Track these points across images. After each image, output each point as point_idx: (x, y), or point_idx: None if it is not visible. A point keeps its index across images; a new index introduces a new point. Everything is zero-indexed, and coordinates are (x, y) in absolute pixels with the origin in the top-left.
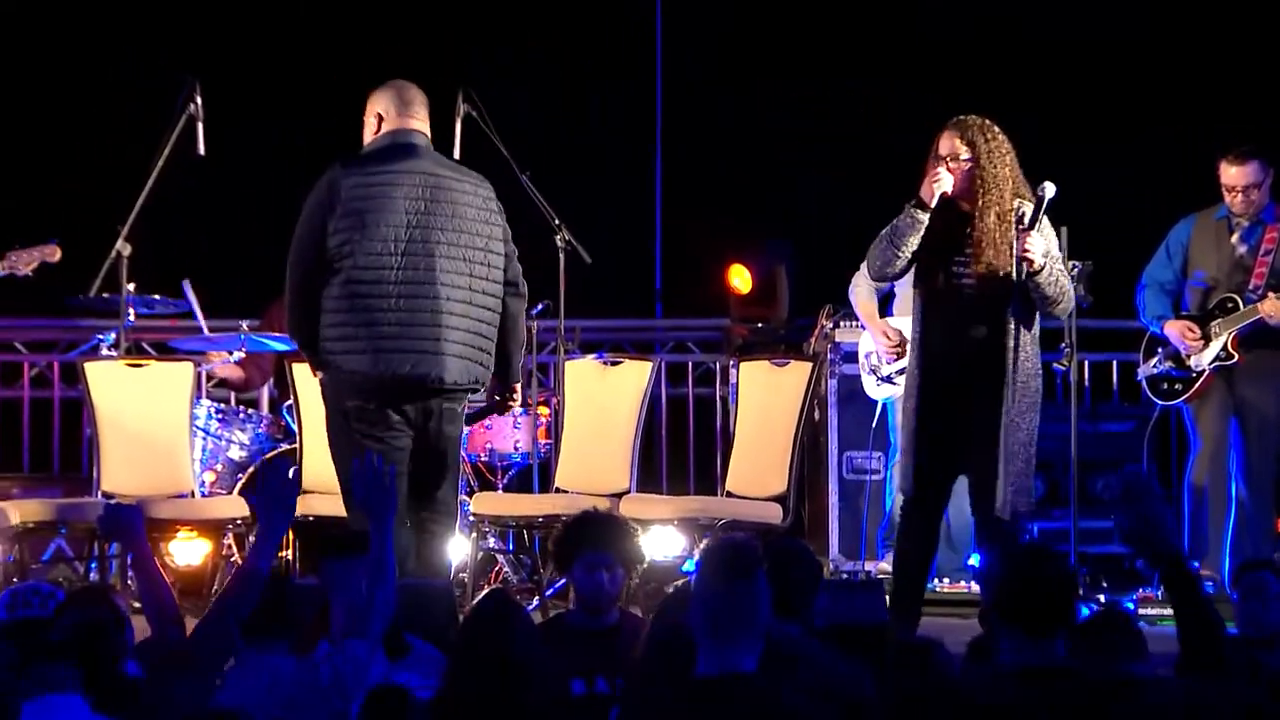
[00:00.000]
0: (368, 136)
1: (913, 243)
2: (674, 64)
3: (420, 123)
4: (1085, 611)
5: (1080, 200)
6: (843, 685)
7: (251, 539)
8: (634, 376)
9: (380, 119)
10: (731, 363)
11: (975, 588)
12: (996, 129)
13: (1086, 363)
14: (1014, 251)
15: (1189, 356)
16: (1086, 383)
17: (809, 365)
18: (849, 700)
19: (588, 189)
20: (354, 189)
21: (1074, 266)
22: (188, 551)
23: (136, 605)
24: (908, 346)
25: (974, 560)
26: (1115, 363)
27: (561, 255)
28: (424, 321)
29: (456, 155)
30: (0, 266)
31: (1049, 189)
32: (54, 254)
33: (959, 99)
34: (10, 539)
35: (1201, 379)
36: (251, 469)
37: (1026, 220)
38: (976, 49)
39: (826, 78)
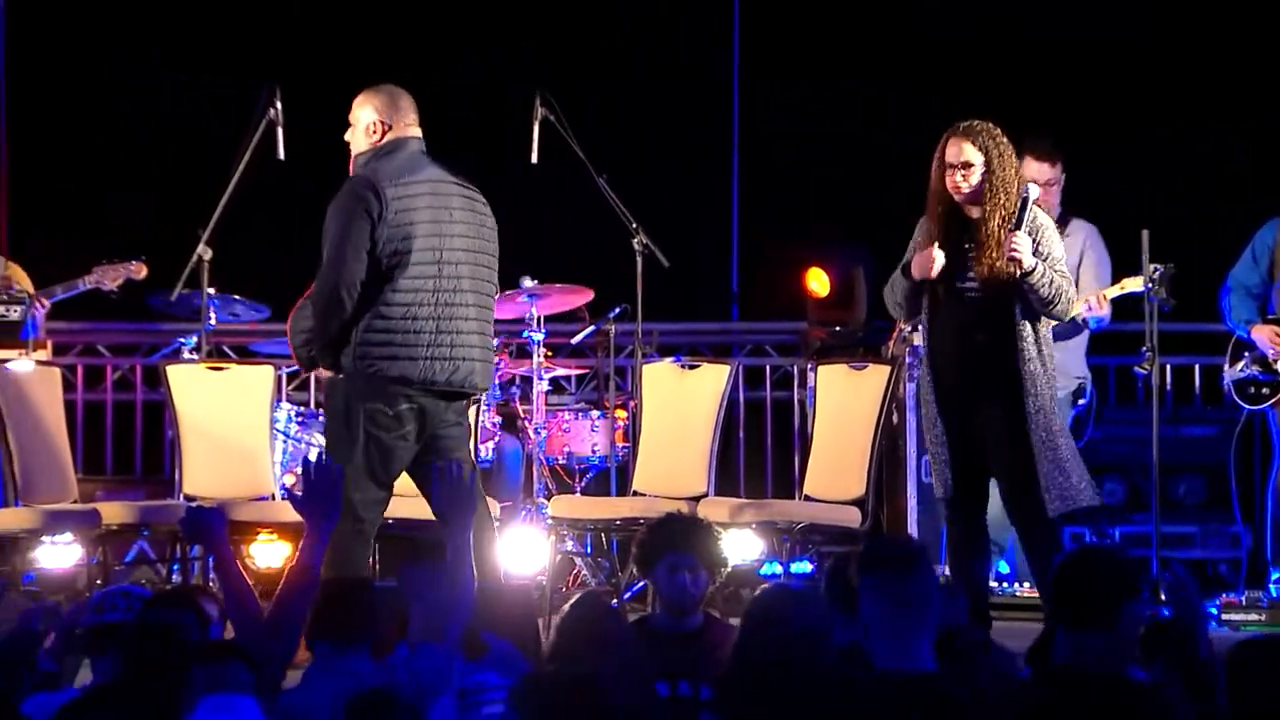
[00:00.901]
0: (365, 142)
1: (907, 299)
2: (752, 65)
3: (418, 129)
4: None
5: (1159, 201)
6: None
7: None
8: (712, 380)
9: (383, 125)
10: (809, 366)
11: None
12: (1000, 133)
13: (1168, 366)
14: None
15: (1276, 361)
16: (1168, 386)
17: (887, 368)
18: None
19: (665, 192)
20: (397, 199)
21: (1155, 270)
22: (268, 554)
23: None
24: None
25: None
26: (1198, 366)
27: (639, 258)
28: (459, 329)
29: (535, 159)
30: (87, 280)
31: (1033, 189)
32: (140, 271)
33: (1017, 105)
34: (94, 541)
35: None
36: None
37: (1014, 220)
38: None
39: (901, 78)
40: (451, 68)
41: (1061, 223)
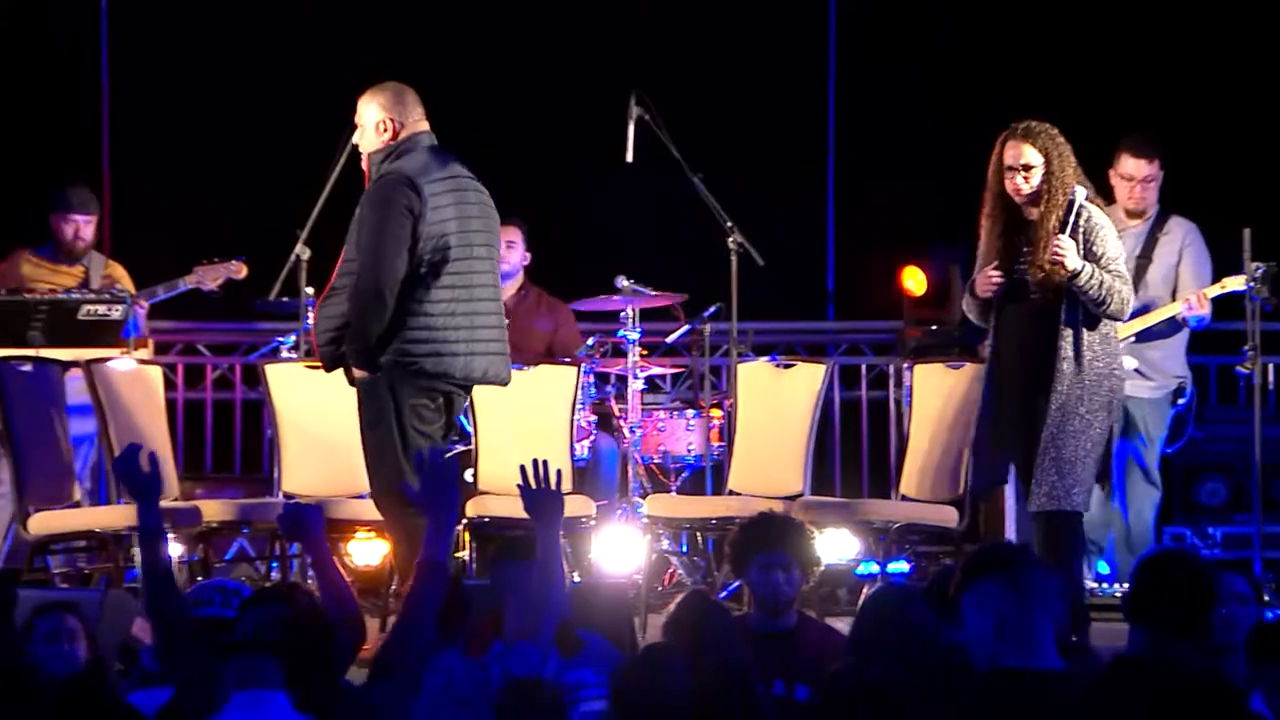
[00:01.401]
0: (377, 141)
1: (979, 312)
2: (847, 64)
3: (426, 123)
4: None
5: (1261, 199)
6: None
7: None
8: (807, 379)
9: (393, 123)
10: (905, 365)
11: None
12: (1058, 132)
13: (1270, 365)
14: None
15: None
16: (1270, 385)
17: (983, 367)
18: None
19: (760, 190)
20: (433, 195)
21: (1257, 268)
22: (366, 552)
23: None
24: None
25: None
26: None
27: (734, 257)
28: (486, 323)
29: (630, 158)
30: (188, 280)
31: (1079, 193)
32: (240, 271)
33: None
34: (194, 539)
35: None
36: None
37: (1060, 223)
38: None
39: (999, 74)
40: (546, 66)
41: (1160, 221)
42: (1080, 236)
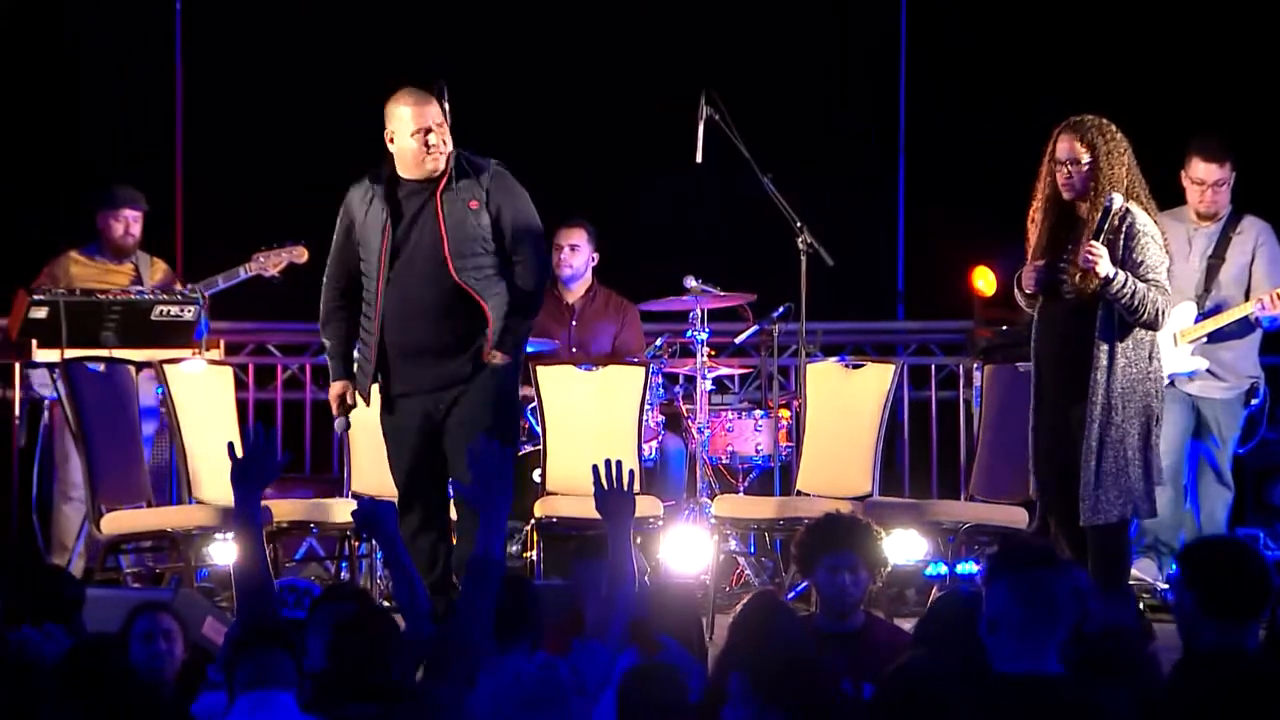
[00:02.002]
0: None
1: (1027, 303)
2: (918, 63)
3: None
4: None
5: None
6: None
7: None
8: (876, 379)
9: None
10: (975, 365)
11: None
12: (1114, 128)
13: None
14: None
15: None
16: None
17: None
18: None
19: (830, 190)
20: None
21: None
22: None
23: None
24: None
25: None
26: None
27: (803, 258)
28: None
29: (699, 158)
30: (248, 268)
31: (1116, 200)
32: (302, 255)
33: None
34: (265, 538)
35: None
36: None
37: (1094, 229)
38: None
39: (1071, 74)
40: (617, 67)
41: (1233, 220)
42: (1121, 241)
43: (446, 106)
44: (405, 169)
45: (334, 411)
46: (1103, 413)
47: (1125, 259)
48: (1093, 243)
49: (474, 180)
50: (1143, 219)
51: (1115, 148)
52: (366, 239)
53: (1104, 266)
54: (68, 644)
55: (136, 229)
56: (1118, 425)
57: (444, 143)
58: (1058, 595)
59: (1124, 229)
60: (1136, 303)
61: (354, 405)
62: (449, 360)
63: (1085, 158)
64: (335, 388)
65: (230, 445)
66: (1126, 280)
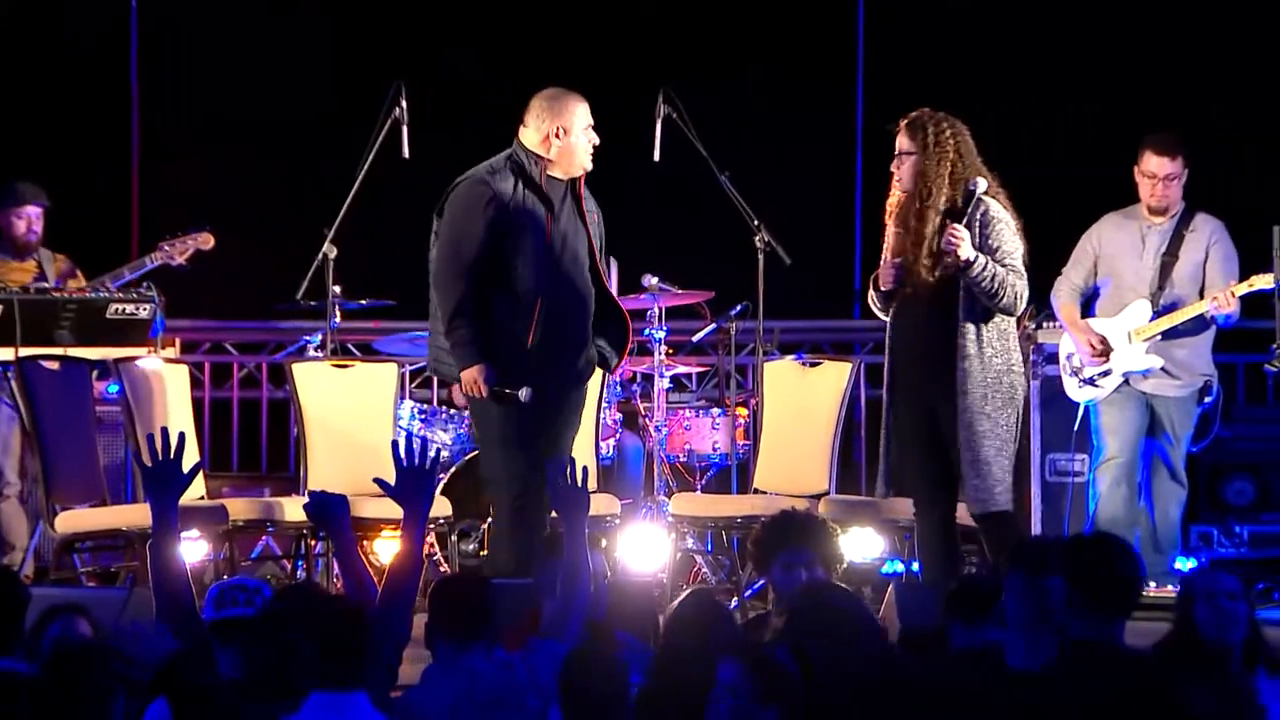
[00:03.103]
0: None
1: (883, 303)
2: (875, 62)
3: None
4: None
5: None
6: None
7: (453, 538)
8: (833, 377)
9: None
10: None
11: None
12: (948, 123)
13: None
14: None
15: None
16: None
17: None
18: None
19: (787, 189)
20: None
21: None
22: (392, 550)
23: None
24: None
25: (1180, 564)
26: None
27: (761, 256)
28: None
29: (657, 156)
30: (154, 257)
31: (980, 184)
32: (208, 241)
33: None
34: (220, 537)
35: None
36: (454, 468)
37: (955, 212)
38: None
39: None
40: (572, 64)
41: (1185, 218)
42: (976, 229)
43: (404, 105)
44: (563, 166)
45: (479, 392)
46: (976, 403)
47: (982, 245)
48: (955, 225)
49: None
50: (997, 207)
51: (941, 141)
52: (519, 232)
53: (965, 250)
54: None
55: (39, 226)
56: (989, 415)
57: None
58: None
59: (978, 216)
60: (996, 286)
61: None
62: (581, 360)
63: (908, 150)
64: (475, 371)
65: (136, 454)
66: (986, 264)
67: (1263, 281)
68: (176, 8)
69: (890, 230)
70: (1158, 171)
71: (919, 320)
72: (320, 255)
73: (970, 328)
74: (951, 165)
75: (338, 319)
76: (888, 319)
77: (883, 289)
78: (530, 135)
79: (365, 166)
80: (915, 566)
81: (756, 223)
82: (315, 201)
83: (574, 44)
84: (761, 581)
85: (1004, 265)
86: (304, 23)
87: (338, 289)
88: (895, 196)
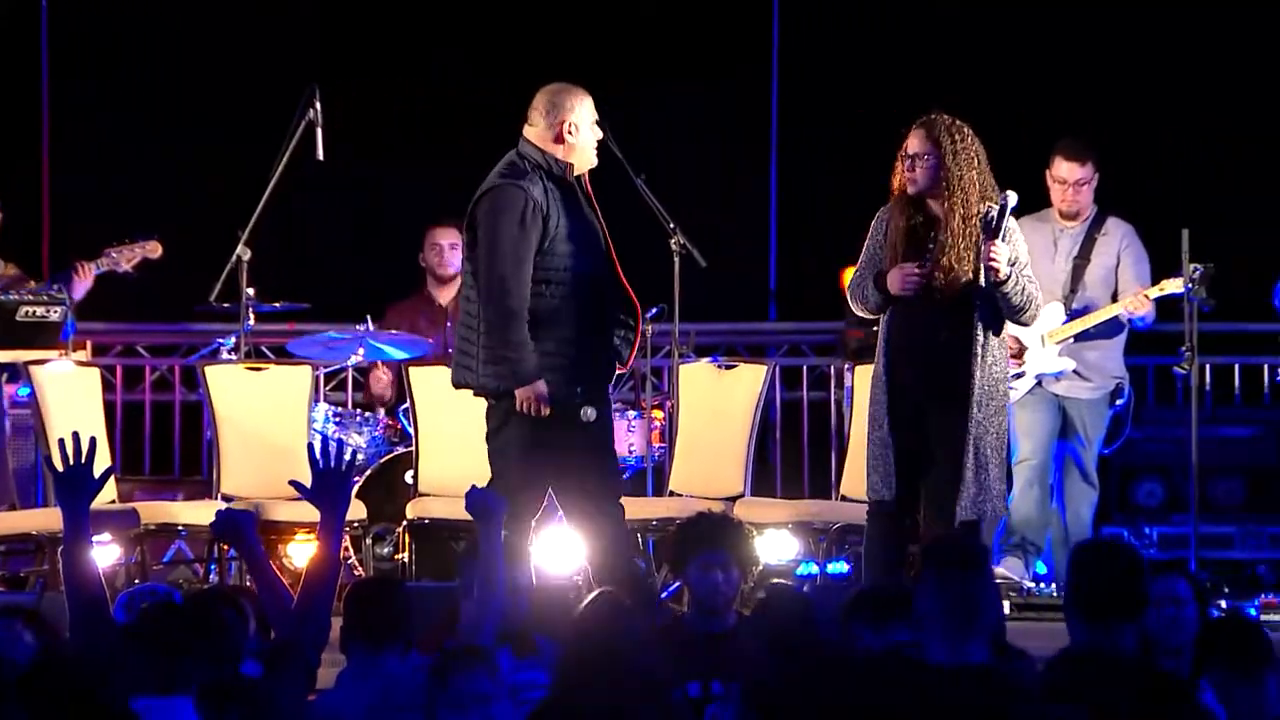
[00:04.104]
0: None
1: (879, 307)
2: (790, 65)
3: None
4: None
5: (1200, 201)
6: None
7: (368, 541)
8: (748, 380)
9: None
10: (846, 366)
11: None
12: (967, 129)
13: (1207, 366)
14: (979, 258)
15: None
16: (1207, 386)
17: None
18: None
19: (702, 191)
20: None
21: (1195, 269)
22: (306, 553)
23: None
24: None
25: None
26: (1237, 366)
27: (676, 259)
28: None
29: None
30: (100, 263)
31: (1011, 197)
32: (155, 250)
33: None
34: (132, 541)
35: None
36: (369, 471)
37: (992, 228)
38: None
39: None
40: (488, 66)
41: (1097, 222)
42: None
43: (318, 107)
44: (577, 162)
45: (539, 410)
46: (982, 412)
47: (1009, 261)
48: (995, 243)
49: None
50: (1010, 219)
51: (964, 147)
52: (555, 235)
53: (1005, 269)
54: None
55: None
56: (981, 423)
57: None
58: (982, 593)
59: (1004, 228)
60: (1024, 300)
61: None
62: (614, 365)
63: (929, 154)
64: (534, 388)
65: (47, 459)
66: (1018, 279)
67: (1173, 285)
68: (88, 6)
69: (891, 231)
70: (1069, 177)
71: (925, 325)
72: (234, 257)
73: (983, 337)
74: (979, 173)
75: (251, 321)
76: (876, 319)
77: (895, 292)
78: (539, 133)
79: (280, 169)
80: (841, 567)
81: (672, 225)
82: (229, 203)
83: (485, 46)
84: (678, 584)
85: (1025, 277)
86: (218, 23)
87: (251, 291)
88: (893, 198)
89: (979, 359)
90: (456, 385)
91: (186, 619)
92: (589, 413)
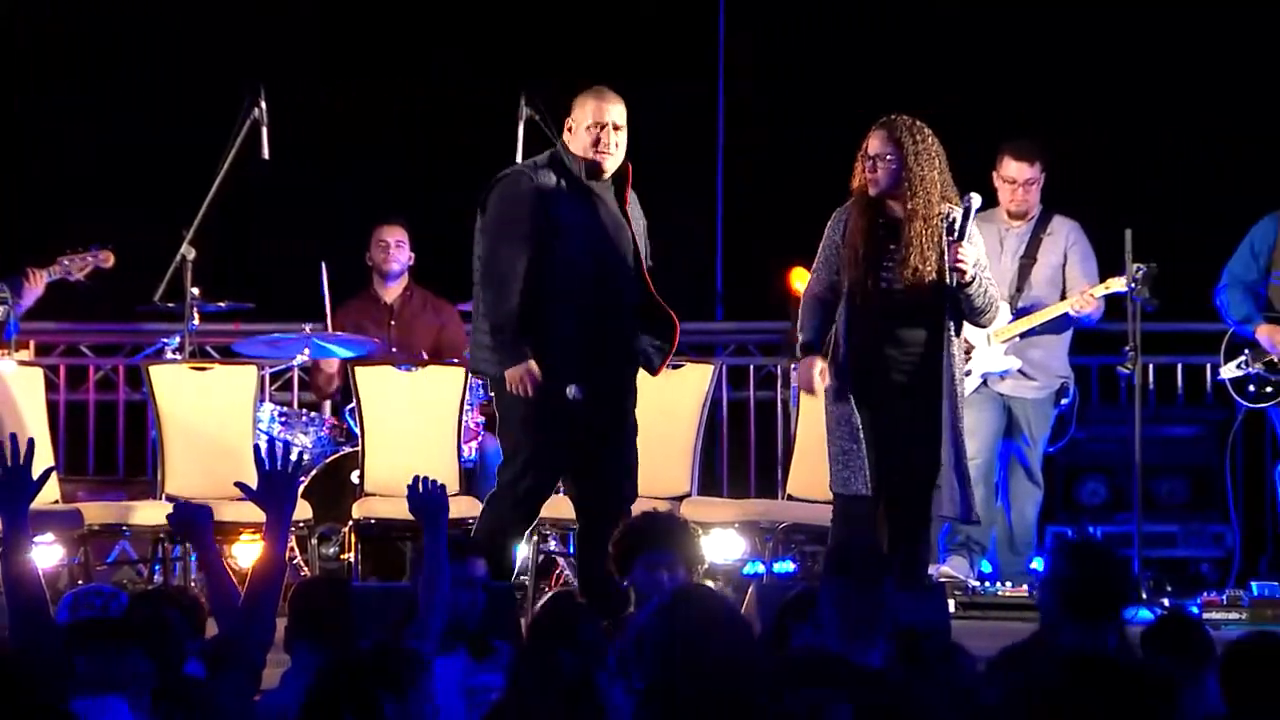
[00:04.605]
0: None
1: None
2: (736, 66)
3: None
4: (1149, 615)
5: (1143, 203)
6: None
7: (314, 541)
8: (695, 380)
9: None
10: (793, 366)
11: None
12: (927, 130)
13: (1151, 366)
14: (945, 260)
15: None
16: (1151, 386)
17: None
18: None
19: (649, 191)
20: None
21: (1138, 269)
22: (251, 554)
23: None
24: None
25: (1036, 564)
26: (1180, 366)
27: None
28: None
29: (520, 159)
30: (53, 270)
31: (975, 199)
32: (108, 260)
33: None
34: (76, 541)
35: None
36: (315, 471)
37: (956, 230)
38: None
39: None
40: (436, 67)
41: (1043, 220)
42: (948, 242)
43: (264, 106)
44: (584, 160)
45: (527, 390)
46: (953, 411)
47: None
48: (962, 245)
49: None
50: (972, 222)
51: (926, 148)
52: (559, 227)
53: (971, 269)
54: None
55: None
56: (962, 419)
57: (616, 145)
58: (883, 599)
59: (949, 230)
60: (986, 302)
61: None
62: (629, 366)
63: (891, 155)
64: (522, 369)
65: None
66: (982, 281)
67: (1117, 284)
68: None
69: (858, 229)
70: (1016, 177)
71: (888, 323)
72: (179, 257)
73: (949, 338)
74: (939, 174)
75: (196, 321)
76: (823, 324)
77: (802, 387)
78: (567, 132)
79: (225, 168)
80: (788, 566)
81: None
82: (174, 202)
83: (436, 46)
84: (624, 584)
85: (987, 278)
86: (162, 18)
87: (196, 291)
88: (853, 199)
89: (948, 361)
90: (470, 371)
91: (128, 619)
92: (573, 390)
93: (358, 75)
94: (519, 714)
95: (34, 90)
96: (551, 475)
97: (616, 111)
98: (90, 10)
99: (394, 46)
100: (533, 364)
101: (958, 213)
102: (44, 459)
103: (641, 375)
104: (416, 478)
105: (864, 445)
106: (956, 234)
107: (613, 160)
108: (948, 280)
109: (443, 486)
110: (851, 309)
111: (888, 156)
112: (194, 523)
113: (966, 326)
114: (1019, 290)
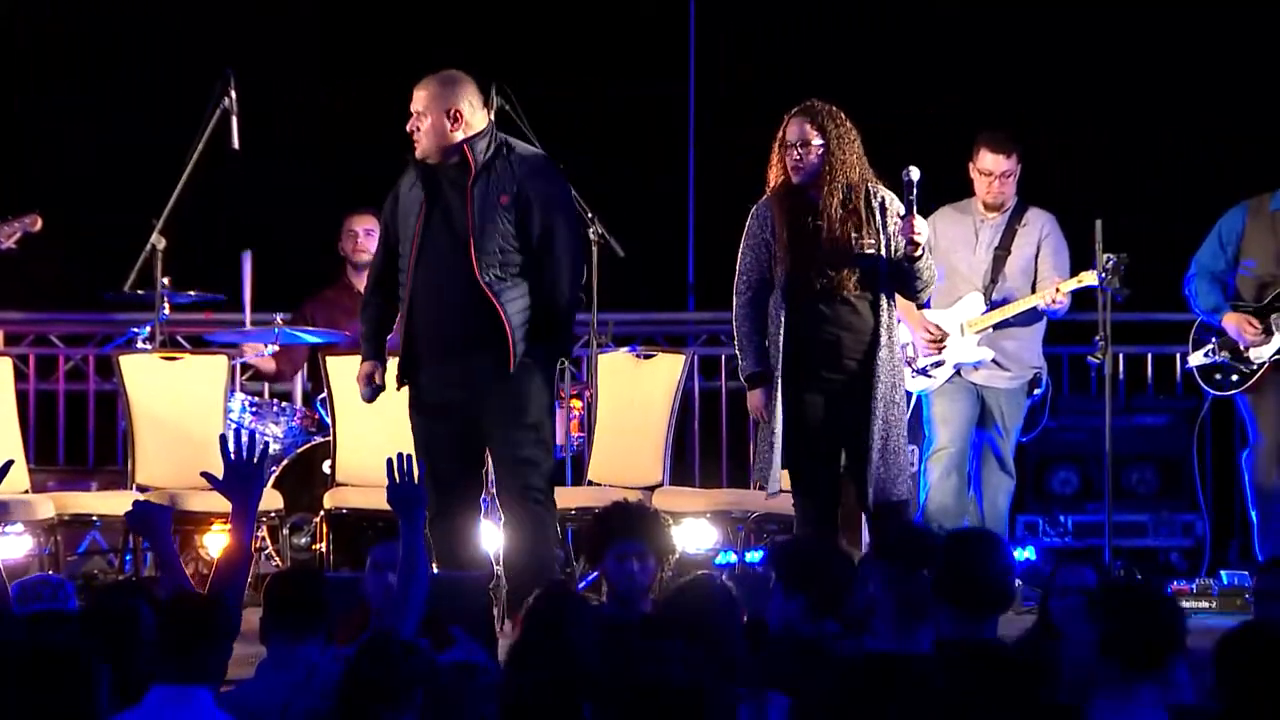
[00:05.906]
0: (480, 124)
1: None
2: (707, 54)
3: None
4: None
5: (1112, 193)
6: None
7: (285, 531)
8: (667, 369)
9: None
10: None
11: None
12: (844, 116)
13: (1121, 356)
14: (882, 236)
15: (1248, 350)
16: (1121, 376)
17: None
18: None
19: (620, 181)
20: None
21: (1109, 260)
22: (221, 544)
23: None
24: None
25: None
26: (1150, 355)
27: (594, 248)
28: None
29: None
30: None
31: (914, 172)
32: (35, 224)
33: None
34: (46, 531)
35: (1261, 371)
36: (286, 461)
37: (903, 205)
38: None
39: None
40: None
41: (1018, 212)
42: (877, 219)
43: (234, 94)
44: (421, 149)
45: (361, 388)
46: (888, 391)
47: (889, 236)
48: (916, 217)
49: (511, 172)
50: (894, 198)
51: (846, 134)
52: (404, 222)
53: (924, 240)
54: None
55: None
56: (897, 404)
57: (417, 129)
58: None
59: (882, 209)
60: (931, 276)
61: (383, 387)
62: (471, 357)
63: (816, 141)
64: (364, 367)
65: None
66: (928, 255)
67: (1089, 278)
68: None
69: (782, 224)
70: (993, 169)
71: (827, 309)
72: (149, 246)
73: (886, 317)
74: (858, 157)
75: (167, 311)
76: (763, 322)
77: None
78: None
79: (195, 156)
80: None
81: (590, 215)
82: (144, 191)
83: (407, 37)
84: (595, 574)
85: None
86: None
87: (166, 280)
88: (772, 188)
89: (883, 340)
90: None
91: (92, 611)
92: (366, 393)
93: (358, 75)
94: (516, 704)
95: (34, 90)
96: (428, 465)
97: (416, 98)
98: (90, 10)
99: (394, 46)
100: (367, 366)
101: (887, 192)
102: (12, 450)
103: (619, 364)
104: (390, 461)
105: (796, 435)
106: (905, 207)
107: (420, 148)
108: (896, 253)
109: (422, 479)
110: (790, 300)
111: (812, 142)
112: (152, 522)
113: (941, 317)
114: (993, 281)
